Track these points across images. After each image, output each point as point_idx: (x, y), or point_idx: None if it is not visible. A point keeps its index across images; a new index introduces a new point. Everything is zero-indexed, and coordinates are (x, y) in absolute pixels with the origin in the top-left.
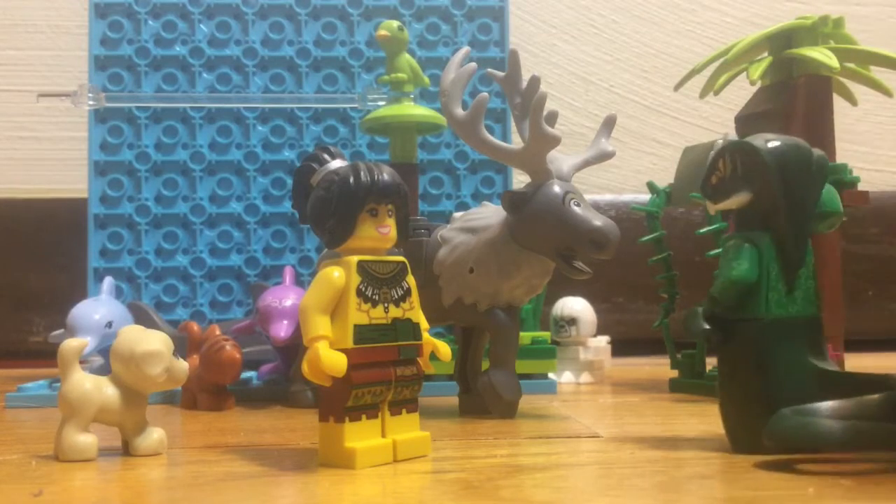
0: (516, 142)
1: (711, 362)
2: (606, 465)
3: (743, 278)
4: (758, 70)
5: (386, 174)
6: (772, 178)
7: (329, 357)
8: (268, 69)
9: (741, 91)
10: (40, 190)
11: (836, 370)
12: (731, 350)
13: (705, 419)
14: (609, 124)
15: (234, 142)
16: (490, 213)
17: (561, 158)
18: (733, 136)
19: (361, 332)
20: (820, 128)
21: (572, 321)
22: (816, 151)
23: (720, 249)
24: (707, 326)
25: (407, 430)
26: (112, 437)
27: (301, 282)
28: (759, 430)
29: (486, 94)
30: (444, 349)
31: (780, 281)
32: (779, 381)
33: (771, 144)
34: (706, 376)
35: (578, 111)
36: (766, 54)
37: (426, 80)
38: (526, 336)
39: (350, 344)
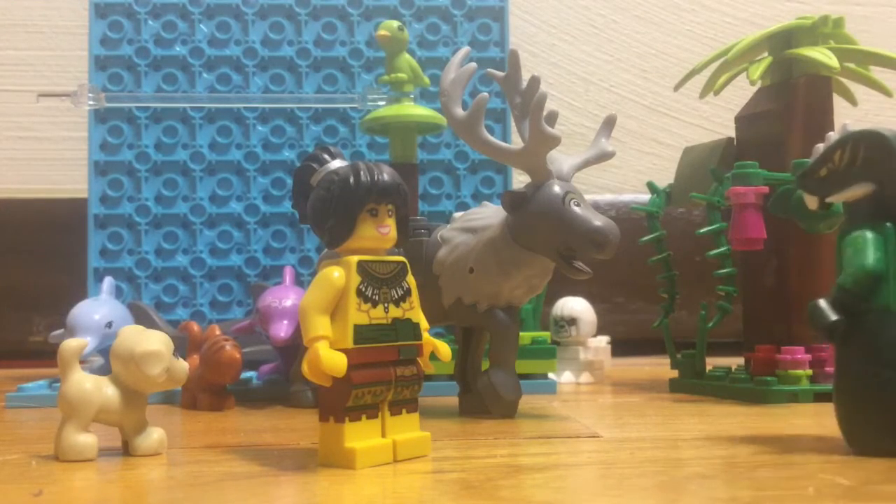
0: (516, 142)
1: (712, 362)
2: (606, 465)
3: (877, 268)
4: (758, 70)
5: (386, 174)
6: None
7: (329, 357)
8: (268, 69)
9: (741, 91)
10: (40, 190)
11: None
12: (855, 342)
13: (705, 419)
14: (609, 124)
15: (234, 142)
16: (490, 213)
17: (561, 158)
18: (851, 127)
19: (361, 332)
20: (820, 128)
21: (572, 321)
22: None
23: (722, 249)
24: (835, 318)
25: (407, 430)
26: (112, 437)
27: (301, 282)
28: (881, 427)
29: (486, 94)
30: (444, 349)
31: None
32: None
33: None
34: (706, 376)
35: (578, 111)
36: (766, 54)
37: (426, 80)
38: (526, 336)
39: (350, 344)
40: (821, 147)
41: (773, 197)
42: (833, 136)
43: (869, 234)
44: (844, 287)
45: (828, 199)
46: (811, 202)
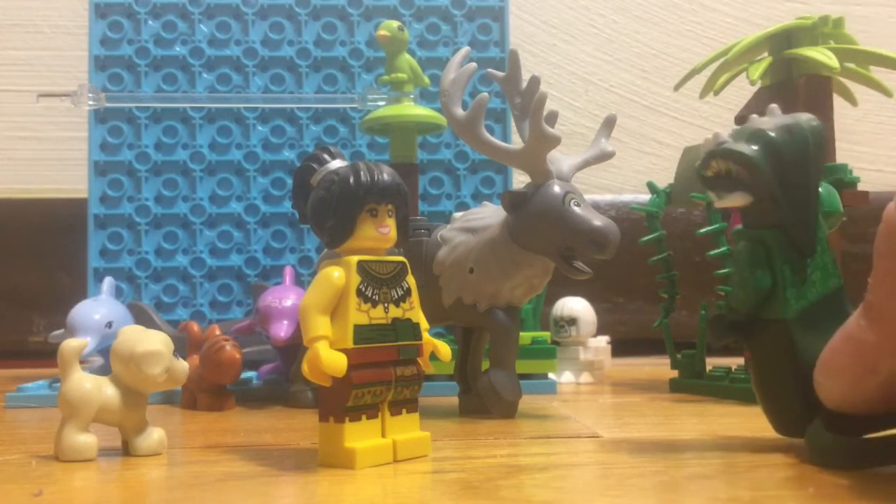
0: (516, 142)
1: (712, 362)
2: (606, 465)
3: (761, 286)
4: (758, 70)
5: (386, 174)
6: (768, 180)
7: (329, 357)
8: (268, 69)
9: (741, 91)
10: (40, 190)
11: None
12: (759, 349)
13: (705, 419)
14: (609, 124)
15: (234, 142)
16: (490, 213)
17: (561, 158)
18: (724, 136)
19: (361, 333)
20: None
21: (572, 321)
22: (810, 123)
23: (722, 249)
24: (729, 334)
25: (407, 430)
26: (112, 437)
27: (301, 282)
28: (801, 420)
29: (486, 94)
30: (444, 349)
31: (797, 275)
32: (810, 370)
33: (761, 146)
34: (706, 376)
35: (578, 111)
36: (766, 54)
37: (426, 80)
38: (526, 336)
39: (350, 344)
40: (710, 139)
41: None
42: (716, 138)
43: (754, 248)
44: (732, 307)
45: (717, 204)
46: (713, 198)
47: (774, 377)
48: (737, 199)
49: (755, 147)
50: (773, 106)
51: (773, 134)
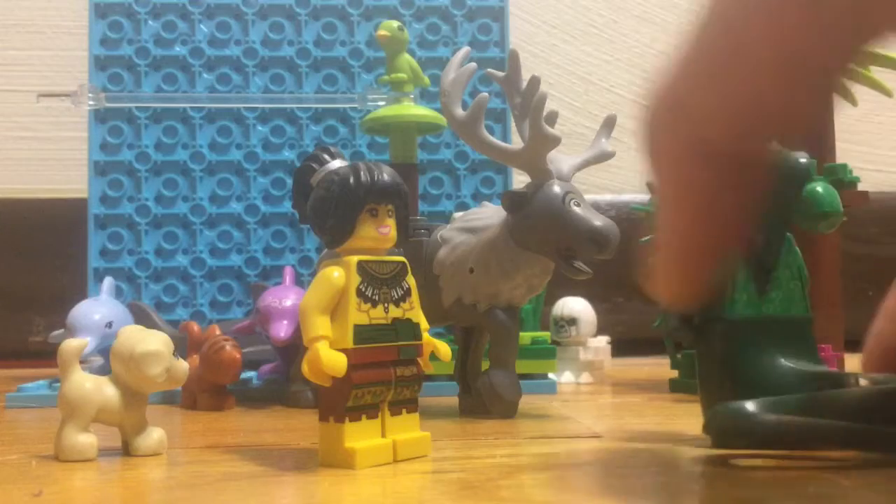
0: (516, 142)
1: None
2: (606, 465)
3: None
4: None
5: (386, 174)
6: None
7: (329, 357)
8: (268, 69)
9: None
10: (40, 190)
11: (816, 371)
12: (702, 348)
13: None
14: (609, 124)
15: (234, 142)
16: (490, 213)
17: (561, 158)
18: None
19: (361, 333)
20: (820, 128)
21: (572, 321)
22: (797, 160)
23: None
24: (677, 326)
25: (407, 430)
26: (112, 437)
27: (301, 282)
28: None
29: (486, 94)
30: (444, 349)
31: (751, 282)
32: (747, 381)
33: None
34: None
35: (578, 111)
36: None
37: (426, 80)
38: (526, 336)
39: (350, 344)
40: None
41: None
42: None
43: None
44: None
45: None
46: None
47: (711, 374)
48: None
49: None
50: None
51: None
